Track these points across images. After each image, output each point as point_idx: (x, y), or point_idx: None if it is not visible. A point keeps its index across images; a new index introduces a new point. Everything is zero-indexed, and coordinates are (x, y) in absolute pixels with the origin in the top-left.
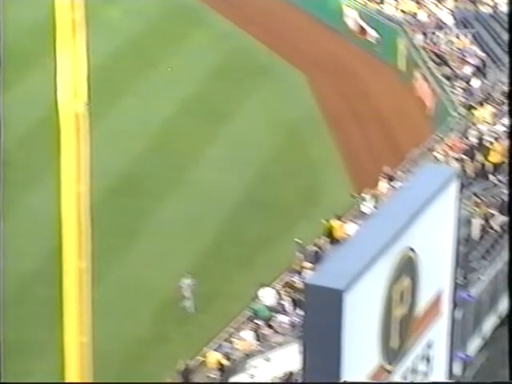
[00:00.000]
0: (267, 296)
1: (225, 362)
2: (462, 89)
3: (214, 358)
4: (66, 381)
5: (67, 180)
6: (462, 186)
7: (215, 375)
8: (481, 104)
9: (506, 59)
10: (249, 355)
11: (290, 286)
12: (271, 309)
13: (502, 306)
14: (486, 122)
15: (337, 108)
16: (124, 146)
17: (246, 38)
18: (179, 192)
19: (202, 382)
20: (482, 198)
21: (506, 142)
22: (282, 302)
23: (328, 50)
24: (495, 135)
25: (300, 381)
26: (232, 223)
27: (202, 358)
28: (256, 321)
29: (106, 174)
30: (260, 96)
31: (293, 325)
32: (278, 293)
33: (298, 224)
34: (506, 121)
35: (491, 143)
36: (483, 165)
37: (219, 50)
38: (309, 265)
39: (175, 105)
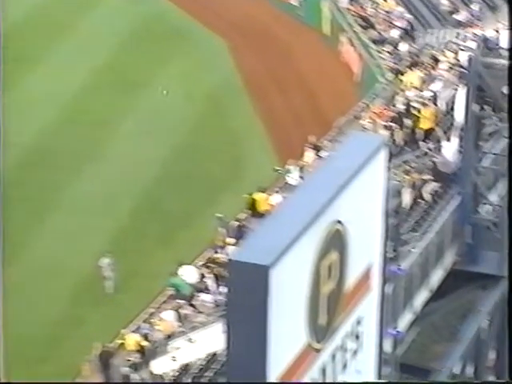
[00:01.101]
0: (188, 274)
1: (145, 343)
2: (390, 53)
3: (133, 340)
4: None
5: None
6: (391, 155)
7: (135, 358)
8: (409, 69)
9: (434, 21)
10: (170, 336)
11: (212, 262)
12: (193, 287)
13: (434, 279)
14: (414, 88)
15: (259, 75)
16: (35, 118)
17: (160, 2)
18: (94, 166)
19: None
20: (413, 166)
21: (434, 108)
22: (205, 280)
23: (248, 14)
24: (423, 101)
25: (224, 362)
26: (150, 198)
27: (120, 341)
28: (178, 300)
29: (15, 147)
30: (176, 64)
31: (216, 304)
32: (200, 270)
33: (221, 198)
34: (434, 86)
35: (419, 111)
36: (413, 132)
37: (132, 16)
38: (232, 240)
39: (87, 74)
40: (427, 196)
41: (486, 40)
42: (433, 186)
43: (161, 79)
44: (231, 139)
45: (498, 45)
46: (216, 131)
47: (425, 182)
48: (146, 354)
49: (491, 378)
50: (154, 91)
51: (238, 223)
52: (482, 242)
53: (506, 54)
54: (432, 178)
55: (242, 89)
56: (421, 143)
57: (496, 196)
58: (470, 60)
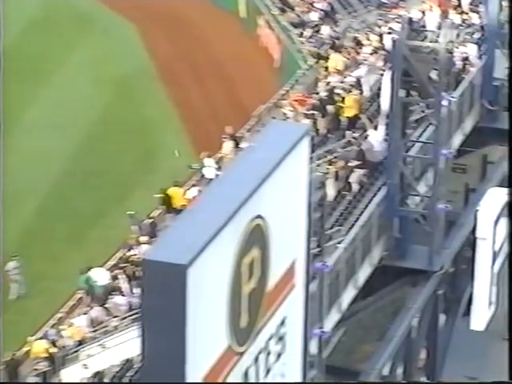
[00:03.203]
0: (99, 276)
1: (54, 350)
2: (311, 37)
3: (41, 346)
4: None
5: None
6: (314, 145)
7: (43, 366)
8: (332, 53)
9: (356, 3)
10: (81, 342)
11: (125, 262)
12: (106, 289)
13: (361, 276)
14: (338, 73)
15: (172, 62)
16: None
17: None
18: None
19: None
20: (337, 156)
21: (358, 94)
22: (118, 282)
23: None
24: (347, 87)
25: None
26: (58, 195)
27: (28, 348)
28: (89, 303)
29: None
30: (84, 50)
31: (130, 306)
32: (113, 271)
33: (134, 193)
34: (358, 71)
35: (343, 98)
36: (338, 120)
37: (36, 1)
38: (146, 238)
39: None
40: (354, 186)
41: (410, 22)
42: (360, 173)
43: (67, 67)
44: (143, 130)
45: (424, 27)
46: (127, 121)
47: (351, 170)
48: (56, 362)
49: (422, 379)
50: (59, 79)
51: (151, 220)
52: (411, 235)
53: (433, 36)
54: (358, 164)
55: (154, 76)
56: (345, 132)
57: (424, 187)
58: (394, 43)
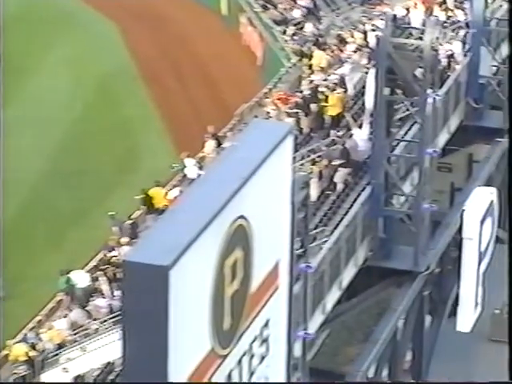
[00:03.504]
0: (79, 278)
1: (34, 354)
2: (294, 35)
3: (20, 350)
4: None
5: None
6: (298, 144)
7: (23, 370)
8: (316, 51)
9: (339, 1)
10: (62, 346)
11: (106, 264)
12: (86, 291)
13: (345, 277)
14: (321, 71)
15: (153, 61)
16: None
17: None
18: None
19: None
20: (321, 155)
21: (342, 93)
22: (98, 284)
23: None
24: (330, 85)
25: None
26: (37, 196)
27: (7, 351)
28: (69, 306)
29: None
30: (64, 49)
31: (111, 309)
32: (93, 273)
33: (114, 193)
34: (342, 69)
35: (326, 97)
36: (322, 119)
37: None
38: (127, 239)
39: None
40: (339, 185)
41: (395, 19)
42: (344, 172)
43: (47, 65)
44: (124, 129)
45: (408, 24)
46: (108, 121)
47: (335, 170)
48: (35, 366)
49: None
50: (39, 78)
51: (132, 221)
52: (396, 235)
53: (417, 33)
54: (342, 163)
55: (135, 75)
56: (329, 131)
57: (409, 186)
58: (378, 40)
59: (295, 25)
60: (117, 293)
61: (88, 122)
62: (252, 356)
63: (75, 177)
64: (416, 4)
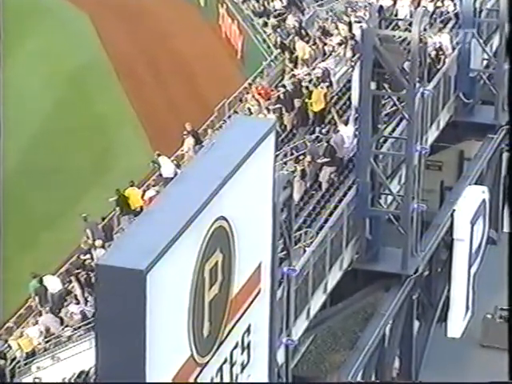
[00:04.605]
0: (51, 283)
1: (3, 363)
2: (275, 27)
3: None
4: None
5: None
6: (280, 141)
7: None
8: (298, 41)
9: None
10: (34, 354)
11: (79, 268)
12: (58, 297)
13: (330, 280)
14: (304, 64)
15: (128, 54)
16: None
17: None
18: None
19: None
20: (305, 153)
21: (325, 88)
22: (71, 289)
23: None
24: (314, 80)
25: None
26: (8, 197)
27: None
28: (40, 312)
29: None
30: (34, 41)
31: (84, 315)
32: (66, 278)
33: (88, 194)
34: (326, 63)
35: (310, 92)
36: (306, 115)
37: None
38: (101, 242)
39: None
40: (324, 184)
41: (381, 10)
42: (329, 171)
43: (17, 59)
44: (98, 126)
45: (395, 15)
46: (80, 118)
47: (320, 168)
48: (5, 375)
49: None
50: (8, 72)
51: (107, 222)
52: (383, 237)
53: (405, 25)
54: (327, 162)
55: (109, 69)
56: (313, 127)
57: (397, 185)
58: (363, 32)
59: (276, 16)
60: (91, 298)
61: (60, 118)
62: (233, 364)
63: (47, 176)
64: None
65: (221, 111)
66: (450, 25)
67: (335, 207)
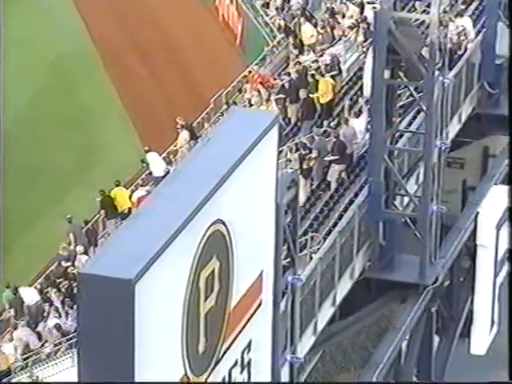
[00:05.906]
0: (29, 294)
1: None
2: (279, 8)
3: None
4: None
5: None
6: (284, 136)
7: None
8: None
9: None
10: (10, 372)
11: (60, 277)
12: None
13: (340, 291)
14: (310, 50)
15: (116, 40)
16: None
17: None
18: None
19: None
20: (311, 148)
21: (335, 76)
22: (50, 301)
23: None
24: (322, 67)
25: None
26: None
27: None
28: (16, 325)
29: None
30: (12, 26)
31: (65, 330)
32: (45, 288)
33: (71, 194)
34: (333, 49)
35: (317, 81)
36: (313, 107)
37: None
38: (83, 248)
39: None
40: (333, 184)
41: None
42: (338, 169)
43: None
44: (82, 118)
45: None
46: (63, 110)
47: (328, 166)
48: None
49: None
50: None
51: (91, 226)
52: (398, 242)
53: (422, 6)
54: (337, 158)
55: (95, 57)
56: (320, 120)
57: (414, 185)
58: (376, 14)
59: None
60: (72, 311)
61: (40, 110)
62: None
63: (26, 174)
64: None
65: (217, 102)
66: (473, 6)
67: (345, 209)
